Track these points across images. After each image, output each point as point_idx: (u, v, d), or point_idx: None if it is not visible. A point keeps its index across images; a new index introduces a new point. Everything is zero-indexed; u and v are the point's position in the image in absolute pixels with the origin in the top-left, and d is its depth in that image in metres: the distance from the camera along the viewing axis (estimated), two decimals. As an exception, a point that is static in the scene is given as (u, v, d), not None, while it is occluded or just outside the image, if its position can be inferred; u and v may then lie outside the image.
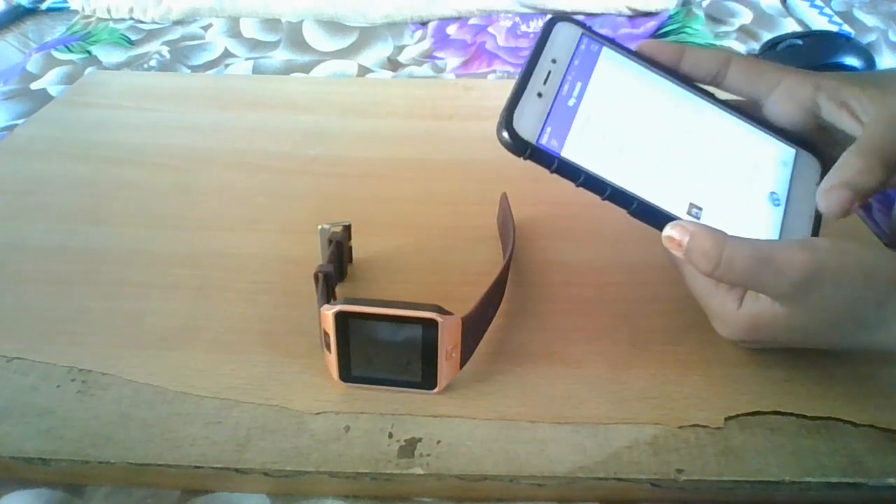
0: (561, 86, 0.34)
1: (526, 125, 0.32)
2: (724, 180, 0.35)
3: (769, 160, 0.37)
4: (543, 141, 0.33)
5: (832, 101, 0.35)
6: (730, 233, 0.32)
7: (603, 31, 0.57)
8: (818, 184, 0.36)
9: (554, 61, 0.35)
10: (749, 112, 0.38)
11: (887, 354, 0.35)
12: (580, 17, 0.86)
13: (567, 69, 0.35)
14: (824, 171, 0.36)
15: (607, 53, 0.36)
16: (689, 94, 0.37)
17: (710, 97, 0.37)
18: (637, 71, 0.37)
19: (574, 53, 0.35)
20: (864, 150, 0.33)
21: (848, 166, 0.33)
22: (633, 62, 0.37)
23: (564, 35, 0.36)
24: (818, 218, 0.36)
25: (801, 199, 0.36)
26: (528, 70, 0.34)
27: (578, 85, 0.35)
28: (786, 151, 0.37)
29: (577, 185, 0.33)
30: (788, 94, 0.36)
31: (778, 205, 0.36)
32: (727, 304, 0.33)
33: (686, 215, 0.34)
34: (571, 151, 0.33)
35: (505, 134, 0.32)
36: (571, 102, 0.34)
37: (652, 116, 0.36)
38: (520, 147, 0.32)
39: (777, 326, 0.32)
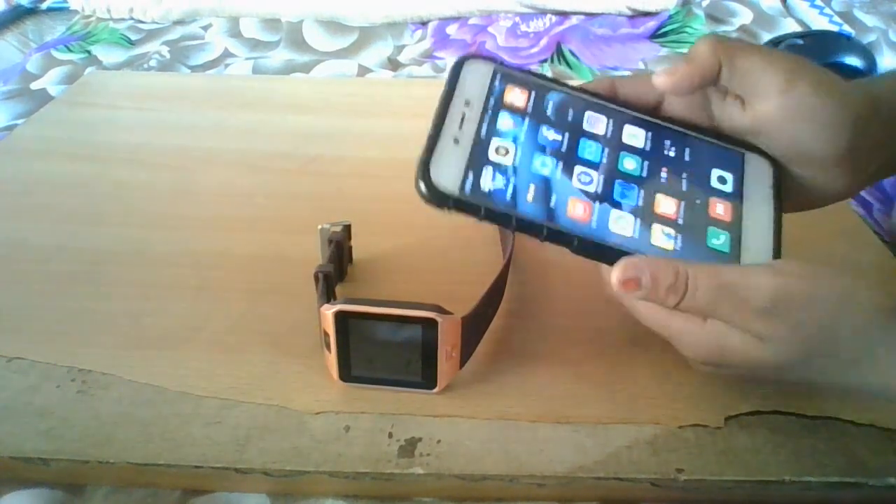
0: (478, 128, 0.32)
1: (445, 176, 0.30)
2: (672, 196, 0.32)
3: (717, 167, 0.34)
4: (466, 191, 0.30)
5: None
6: (694, 248, 0.30)
7: (602, 31, 0.55)
8: (772, 185, 0.33)
9: (467, 103, 0.32)
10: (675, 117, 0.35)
11: (877, 397, 0.32)
12: (579, 17, 0.86)
13: (482, 110, 0.32)
14: (776, 172, 0.34)
15: (524, 85, 0.33)
16: (616, 112, 0.34)
17: (643, 111, 0.35)
18: (565, 100, 0.34)
19: (488, 92, 0.33)
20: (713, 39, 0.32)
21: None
22: (557, 91, 0.34)
23: (476, 74, 0.33)
24: (778, 221, 0.33)
25: (757, 201, 0.33)
26: (440, 115, 0.32)
27: (497, 125, 0.32)
28: (735, 157, 0.34)
29: (513, 231, 0.31)
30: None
31: (733, 211, 0.33)
32: (690, 319, 0.30)
33: (646, 244, 0.31)
34: (498, 197, 0.30)
35: (422, 186, 0.30)
36: (493, 145, 0.31)
37: (581, 142, 0.33)
38: (441, 200, 0.30)
39: (745, 355, 0.29)
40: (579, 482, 0.31)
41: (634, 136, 0.34)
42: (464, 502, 0.32)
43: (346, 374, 0.34)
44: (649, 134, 0.34)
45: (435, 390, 0.34)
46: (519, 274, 0.42)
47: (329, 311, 0.32)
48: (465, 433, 0.33)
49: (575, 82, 0.35)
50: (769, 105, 0.31)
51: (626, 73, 0.76)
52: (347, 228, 0.41)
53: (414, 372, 0.33)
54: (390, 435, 0.33)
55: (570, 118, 0.33)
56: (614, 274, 0.29)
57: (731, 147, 0.34)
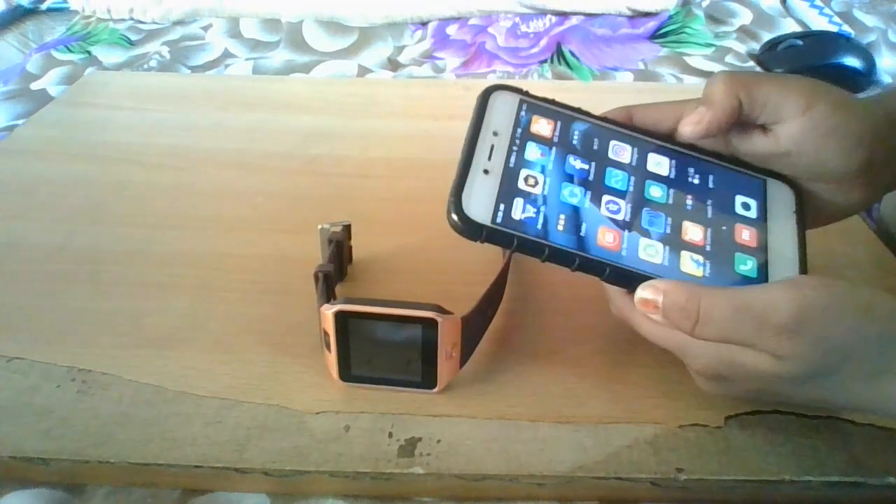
0: (507, 159, 0.32)
1: (477, 206, 0.30)
2: (699, 223, 0.33)
3: (740, 193, 0.34)
4: (499, 221, 0.30)
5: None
6: (723, 274, 0.30)
7: (602, 32, 0.54)
8: (795, 210, 0.34)
9: (496, 134, 0.33)
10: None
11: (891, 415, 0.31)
12: (579, 18, 0.86)
13: (510, 140, 0.33)
14: (798, 197, 0.34)
15: (549, 115, 0.34)
16: (640, 140, 0.34)
17: (663, 139, 0.35)
18: (589, 130, 0.34)
19: (515, 122, 0.33)
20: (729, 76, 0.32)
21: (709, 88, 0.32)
22: (581, 121, 0.34)
23: (502, 104, 0.34)
24: (803, 245, 0.33)
25: (781, 227, 0.33)
26: (469, 147, 0.32)
27: (525, 155, 0.32)
28: (757, 183, 0.34)
29: (543, 261, 0.31)
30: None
31: (759, 237, 0.33)
32: None
33: (676, 271, 0.31)
34: (529, 227, 0.31)
35: (455, 218, 0.30)
36: (522, 175, 0.32)
37: (607, 171, 0.33)
38: (474, 231, 0.30)
39: (759, 372, 0.28)
40: (579, 482, 0.31)
41: (659, 164, 0.34)
42: (464, 502, 0.32)
43: (346, 373, 0.34)
44: (673, 162, 0.34)
45: (435, 390, 0.34)
46: (519, 274, 0.42)
47: (329, 311, 0.32)
48: (465, 433, 0.33)
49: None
50: (793, 127, 0.31)
51: (627, 73, 0.76)
52: (347, 228, 0.41)
53: (414, 372, 0.33)
54: (390, 435, 0.33)
55: (595, 147, 0.34)
56: (637, 294, 0.30)
57: (752, 173, 0.35)
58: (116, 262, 0.43)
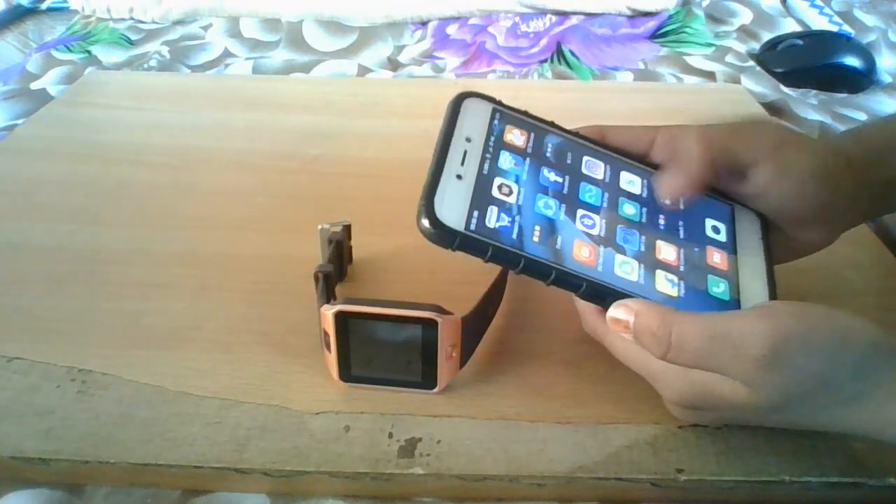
0: (481, 166, 0.31)
1: (450, 212, 0.29)
2: (672, 243, 0.33)
3: (709, 217, 0.34)
4: (473, 228, 0.29)
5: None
6: (697, 295, 0.31)
7: (602, 31, 0.53)
8: (762, 237, 0.34)
9: (468, 140, 0.32)
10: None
11: (861, 438, 0.31)
12: (579, 17, 0.86)
13: (484, 148, 0.32)
14: (763, 223, 0.35)
15: (522, 126, 0.34)
16: (612, 158, 0.35)
17: (635, 159, 0.35)
18: (562, 144, 0.34)
19: (488, 130, 0.33)
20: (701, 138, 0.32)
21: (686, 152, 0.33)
22: (554, 135, 0.34)
23: (475, 112, 0.33)
24: (771, 271, 0.33)
25: (750, 251, 0.34)
26: (441, 151, 0.31)
27: (498, 163, 0.32)
28: (725, 208, 0.35)
29: (518, 273, 0.30)
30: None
31: (729, 260, 0.33)
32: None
33: (651, 290, 0.31)
34: (504, 236, 0.30)
35: (427, 223, 0.28)
36: (496, 183, 0.31)
37: (581, 186, 0.33)
38: (446, 238, 0.29)
39: (735, 402, 0.28)
40: (579, 482, 0.31)
41: (631, 182, 0.34)
42: (464, 502, 0.32)
43: (346, 374, 0.34)
44: (645, 181, 0.34)
45: (435, 390, 0.34)
46: (519, 274, 0.42)
47: (329, 311, 0.32)
48: (465, 433, 0.33)
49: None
50: (763, 170, 0.33)
51: (627, 72, 0.76)
52: (347, 228, 0.41)
53: (414, 372, 0.33)
54: (390, 435, 0.33)
55: (569, 161, 0.34)
56: (609, 312, 0.30)
57: (719, 198, 0.35)
58: (116, 262, 0.43)
